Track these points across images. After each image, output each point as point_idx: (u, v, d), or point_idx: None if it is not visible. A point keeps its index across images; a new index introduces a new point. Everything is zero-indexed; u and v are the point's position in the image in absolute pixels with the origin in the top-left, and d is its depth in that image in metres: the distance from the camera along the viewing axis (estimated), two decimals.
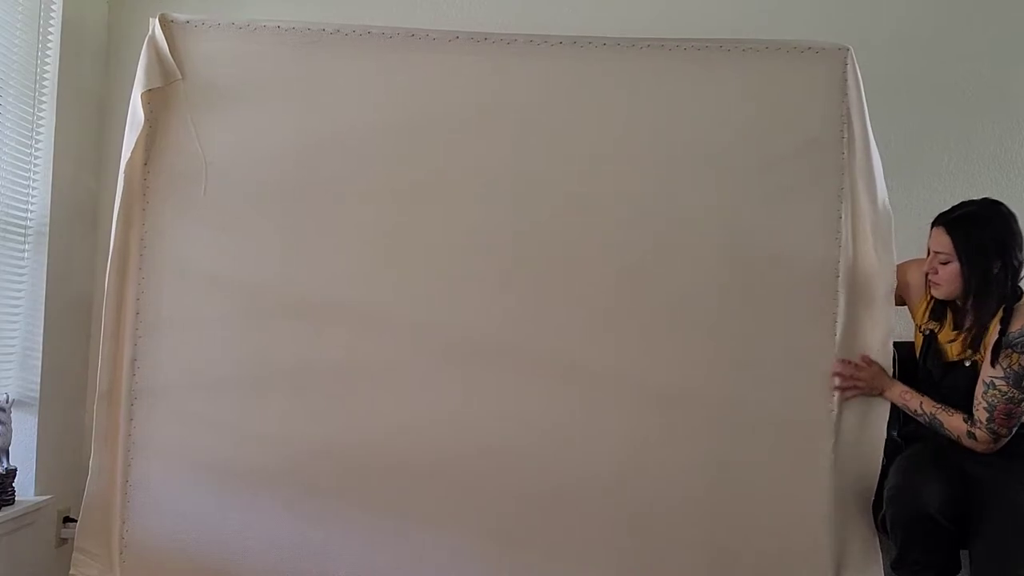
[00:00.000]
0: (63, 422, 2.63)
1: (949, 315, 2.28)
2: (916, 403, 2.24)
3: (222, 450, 2.36)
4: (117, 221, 2.35)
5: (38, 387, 2.51)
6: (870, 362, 2.33)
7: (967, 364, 2.21)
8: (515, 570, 2.36)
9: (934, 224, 2.24)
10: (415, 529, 2.36)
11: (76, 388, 2.72)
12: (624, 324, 2.39)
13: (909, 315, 2.41)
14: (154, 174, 2.39)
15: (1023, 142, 2.85)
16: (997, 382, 2.12)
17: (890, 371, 2.34)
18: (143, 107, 2.36)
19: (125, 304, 2.37)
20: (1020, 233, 2.17)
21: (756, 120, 2.42)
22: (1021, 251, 2.15)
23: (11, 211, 2.45)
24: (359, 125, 2.41)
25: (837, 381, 2.33)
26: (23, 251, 2.51)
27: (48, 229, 2.54)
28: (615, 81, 2.43)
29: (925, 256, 2.29)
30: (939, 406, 2.20)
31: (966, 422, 2.15)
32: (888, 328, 2.35)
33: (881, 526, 2.28)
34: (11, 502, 2.38)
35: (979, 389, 2.15)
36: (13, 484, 2.39)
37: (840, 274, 2.37)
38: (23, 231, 2.51)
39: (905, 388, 2.28)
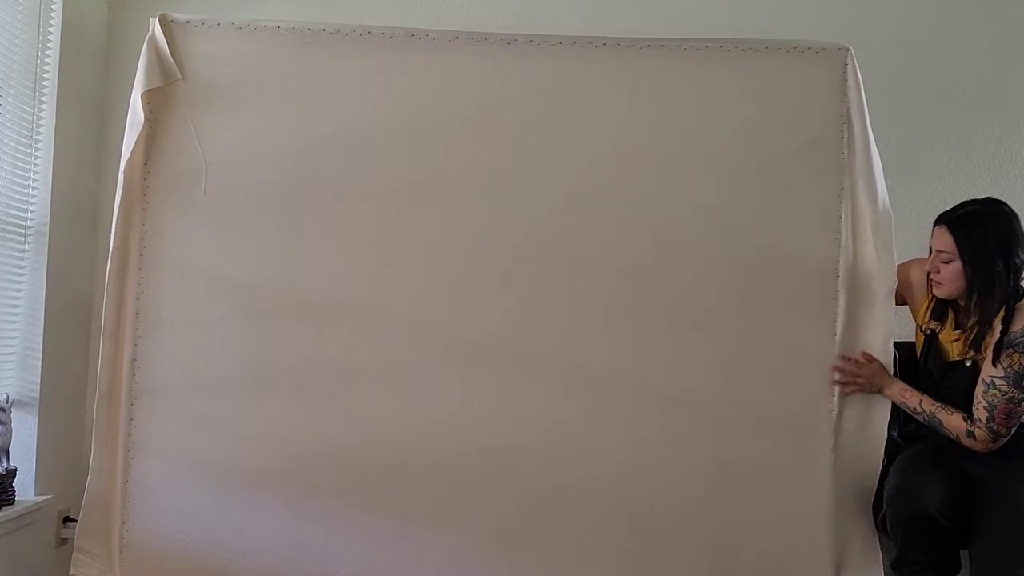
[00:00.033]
0: (63, 422, 2.64)
1: (950, 314, 2.28)
2: (916, 401, 2.25)
3: (222, 450, 2.36)
4: (117, 221, 2.35)
5: (38, 387, 2.51)
6: (871, 359, 2.33)
7: (968, 364, 2.21)
8: (515, 570, 2.36)
9: (936, 223, 2.24)
10: (415, 529, 2.36)
11: (76, 388, 2.72)
12: (624, 324, 2.39)
13: (909, 315, 2.42)
14: (154, 174, 2.39)
15: (1023, 142, 2.86)
16: (997, 382, 2.12)
17: (891, 371, 2.34)
18: (143, 107, 2.36)
19: (125, 304, 2.37)
20: (1022, 232, 2.16)
21: (756, 120, 2.42)
22: (1023, 250, 2.15)
23: (11, 211, 2.45)
24: (359, 125, 2.41)
25: (837, 376, 2.33)
26: (23, 251, 2.51)
27: (48, 229, 2.54)
28: (615, 81, 2.43)
29: (927, 255, 2.29)
30: (939, 405, 2.21)
31: (966, 421, 2.15)
32: (888, 328, 2.35)
33: (881, 526, 2.28)
34: (11, 502, 2.39)
35: (979, 388, 2.15)
36: (13, 484, 2.40)
37: (840, 274, 2.37)
38: (23, 231, 2.51)
39: (905, 386, 2.28)
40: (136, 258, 2.37)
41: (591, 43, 2.43)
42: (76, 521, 2.39)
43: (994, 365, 2.12)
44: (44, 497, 2.52)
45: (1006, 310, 2.13)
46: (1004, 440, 2.13)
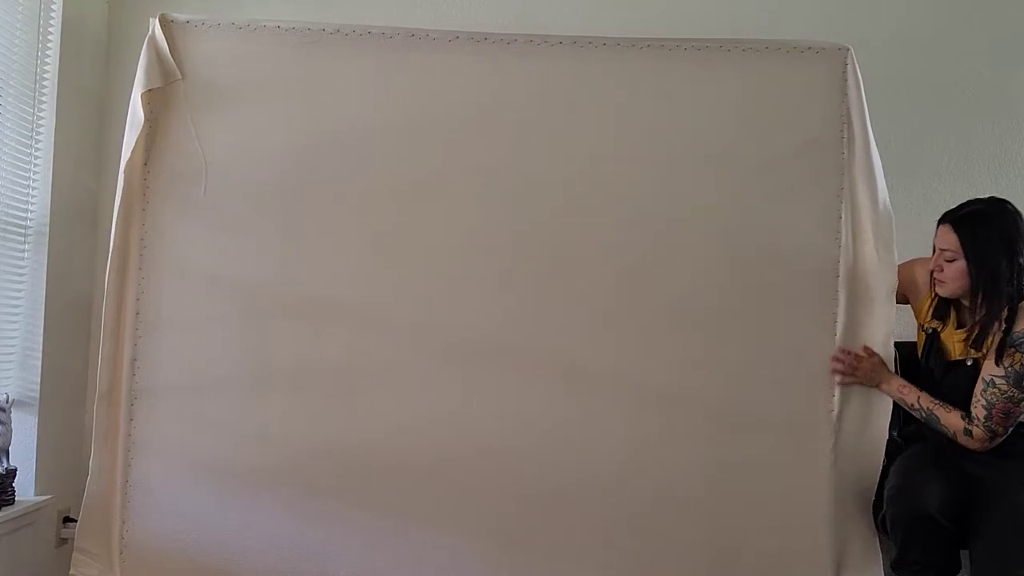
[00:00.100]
0: (63, 422, 2.64)
1: (952, 314, 2.28)
2: (914, 397, 2.25)
3: (222, 450, 2.36)
4: (117, 221, 2.35)
5: (38, 387, 2.51)
6: (871, 353, 2.33)
7: (969, 363, 2.21)
8: (515, 570, 2.36)
9: (940, 222, 2.24)
10: (415, 529, 2.36)
11: (76, 388, 2.72)
12: (624, 324, 2.39)
13: (910, 315, 2.41)
14: (154, 174, 2.39)
15: (1023, 142, 2.86)
16: (997, 381, 2.12)
17: (892, 369, 2.34)
18: (143, 107, 2.35)
19: (125, 304, 2.37)
20: None
21: (756, 120, 2.42)
22: None
23: (11, 211, 2.45)
24: (359, 125, 2.41)
25: (837, 366, 2.33)
26: (23, 251, 2.51)
27: (48, 229, 2.54)
28: (615, 81, 2.43)
29: (928, 255, 2.29)
30: (937, 402, 2.21)
31: (964, 419, 2.15)
32: (889, 328, 2.35)
33: (881, 526, 2.29)
34: (11, 502, 2.39)
35: (979, 387, 2.15)
36: (13, 484, 2.40)
37: (840, 274, 2.37)
38: (23, 231, 2.51)
39: (903, 383, 2.28)
40: (136, 258, 2.37)
41: (591, 43, 2.43)
42: (76, 521, 2.38)
43: (997, 364, 2.12)
44: (44, 497, 2.52)
45: (1009, 309, 2.13)
46: (1001, 439, 2.13)
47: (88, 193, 2.76)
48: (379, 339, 2.39)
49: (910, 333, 2.41)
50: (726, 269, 2.39)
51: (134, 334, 2.36)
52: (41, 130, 2.54)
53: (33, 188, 2.53)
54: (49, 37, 2.56)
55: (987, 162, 2.85)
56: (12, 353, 2.49)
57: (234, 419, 2.37)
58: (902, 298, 2.41)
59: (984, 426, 2.12)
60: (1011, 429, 2.13)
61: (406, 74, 2.42)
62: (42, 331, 2.52)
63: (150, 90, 2.36)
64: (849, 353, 2.34)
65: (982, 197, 2.23)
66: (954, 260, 2.19)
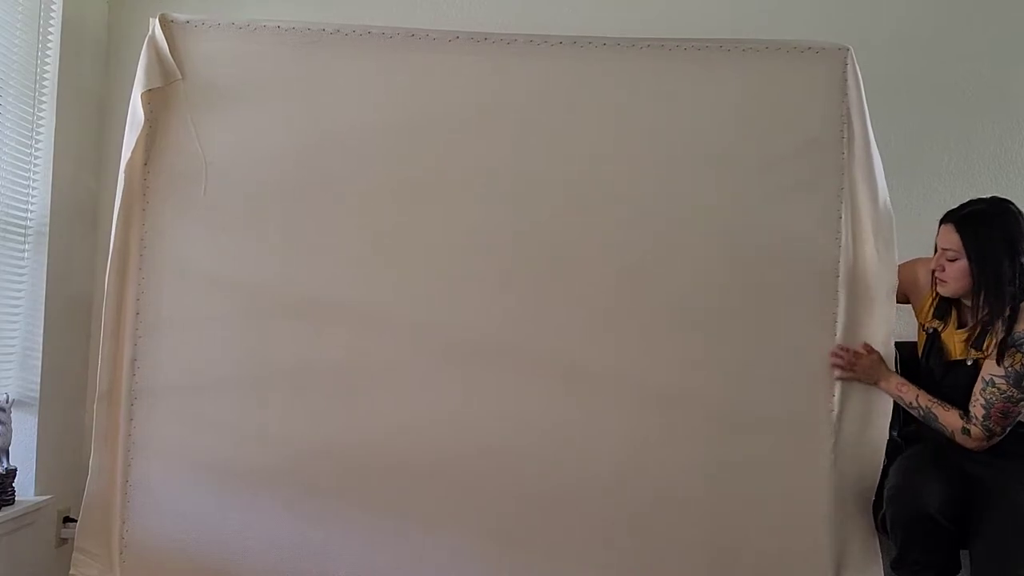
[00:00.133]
0: (63, 422, 2.63)
1: (953, 313, 2.28)
2: (912, 395, 2.25)
3: (222, 450, 2.36)
4: (117, 221, 2.35)
5: (38, 387, 2.51)
6: (871, 350, 2.34)
7: (969, 363, 2.21)
8: (515, 570, 2.36)
9: (942, 221, 2.24)
10: (415, 529, 2.36)
11: (76, 388, 2.72)
12: (624, 324, 2.39)
13: (910, 316, 2.41)
14: (154, 174, 2.39)
15: (1023, 142, 2.85)
16: (997, 380, 2.12)
17: (891, 367, 2.34)
18: (143, 107, 2.36)
19: (125, 304, 2.37)
20: None
21: (756, 120, 2.42)
22: None
23: (11, 211, 2.45)
24: (359, 125, 2.41)
25: (835, 360, 2.34)
26: (23, 251, 2.51)
27: (48, 229, 2.54)
28: (615, 81, 2.43)
29: (929, 254, 2.29)
30: (935, 400, 2.21)
31: (962, 418, 2.15)
32: (889, 328, 2.35)
33: (881, 526, 2.29)
34: (11, 502, 2.38)
35: (978, 386, 2.15)
36: (13, 484, 2.39)
37: (840, 274, 2.37)
38: (23, 231, 2.51)
39: (902, 380, 2.29)
40: (136, 258, 2.37)
41: (591, 43, 2.43)
42: (76, 521, 2.39)
43: (998, 364, 2.12)
44: (44, 497, 2.52)
45: (1011, 309, 2.13)
46: (998, 439, 2.13)
47: (88, 193, 2.76)
48: (379, 339, 2.39)
49: (910, 333, 2.41)
50: (726, 269, 2.39)
51: (134, 334, 2.36)
52: (41, 130, 2.54)
53: (33, 188, 2.53)
54: (49, 37, 2.55)
55: (987, 162, 2.85)
56: (12, 353, 2.49)
57: (234, 419, 2.37)
58: (903, 298, 2.41)
59: (982, 425, 2.12)
60: (1008, 429, 2.13)
61: (406, 74, 2.42)
62: (42, 331, 2.52)
63: (150, 90, 2.36)
64: (848, 349, 2.34)
65: (984, 197, 2.23)
66: (956, 259, 2.19)
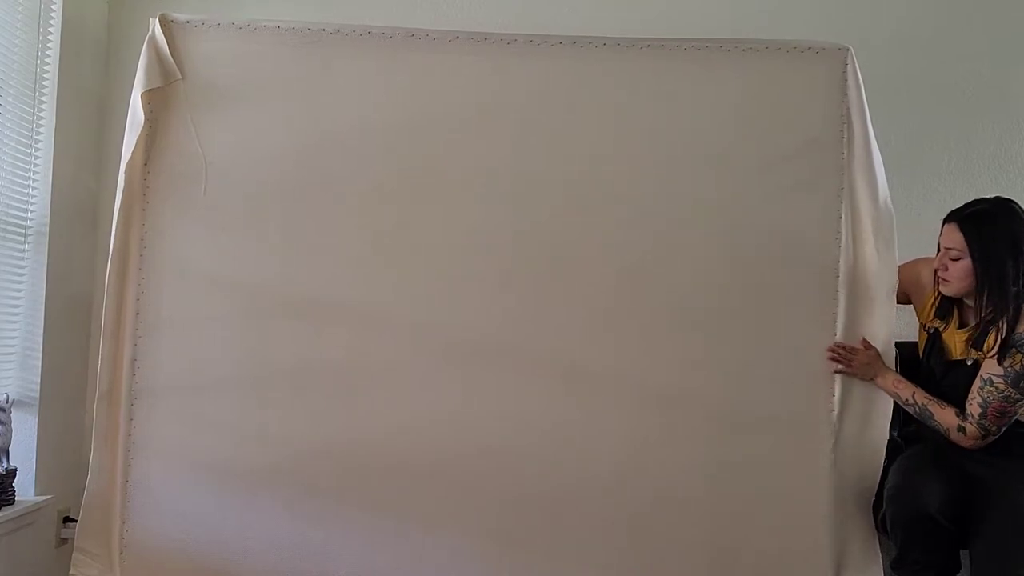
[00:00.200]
0: (63, 422, 2.63)
1: (955, 313, 2.28)
2: (908, 393, 2.25)
3: (222, 450, 2.36)
4: (117, 221, 2.35)
5: (38, 387, 2.51)
6: (868, 346, 2.34)
7: (969, 363, 2.21)
8: (515, 570, 2.36)
9: (946, 220, 2.24)
10: (415, 529, 2.36)
11: (76, 388, 2.72)
12: (624, 324, 2.39)
13: (910, 316, 2.41)
14: (154, 174, 2.39)
15: (1023, 142, 2.85)
16: (996, 379, 2.12)
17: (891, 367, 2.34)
18: (143, 107, 2.36)
19: (125, 304, 2.37)
20: None
21: (756, 120, 2.42)
22: None
23: (11, 211, 2.45)
24: (359, 125, 2.42)
25: (832, 355, 2.34)
26: (23, 251, 2.51)
27: (48, 229, 2.54)
28: (615, 81, 2.43)
29: (930, 254, 2.29)
30: (931, 398, 2.21)
31: (958, 416, 2.16)
32: (890, 328, 2.35)
33: (881, 526, 2.29)
34: (11, 502, 2.38)
35: (976, 384, 2.15)
36: (13, 484, 2.39)
37: (841, 274, 2.38)
38: (23, 231, 2.51)
39: (899, 377, 2.29)
40: (136, 258, 2.37)
41: (591, 43, 2.43)
42: (76, 521, 2.39)
43: (999, 364, 2.12)
44: (44, 497, 2.52)
45: (1013, 309, 2.13)
46: (993, 438, 2.14)
47: (88, 193, 2.76)
48: (379, 339, 2.39)
49: (911, 333, 2.41)
50: (726, 269, 2.40)
51: (134, 334, 2.36)
52: (41, 130, 2.54)
53: (33, 188, 2.53)
54: (49, 37, 2.55)
55: (987, 162, 2.85)
56: (12, 353, 2.49)
57: (234, 419, 2.37)
58: (904, 298, 2.41)
59: (978, 423, 2.13)
60: (1004, 428, 2.14)
61: (406, 74, 2.42)
62: (42, 331, 2.52)
63: (150, 90, 2.36)
64: (845, 345, 2.34)
65: (988, 197, 2.23)
66: (959, 259, 2.18)
